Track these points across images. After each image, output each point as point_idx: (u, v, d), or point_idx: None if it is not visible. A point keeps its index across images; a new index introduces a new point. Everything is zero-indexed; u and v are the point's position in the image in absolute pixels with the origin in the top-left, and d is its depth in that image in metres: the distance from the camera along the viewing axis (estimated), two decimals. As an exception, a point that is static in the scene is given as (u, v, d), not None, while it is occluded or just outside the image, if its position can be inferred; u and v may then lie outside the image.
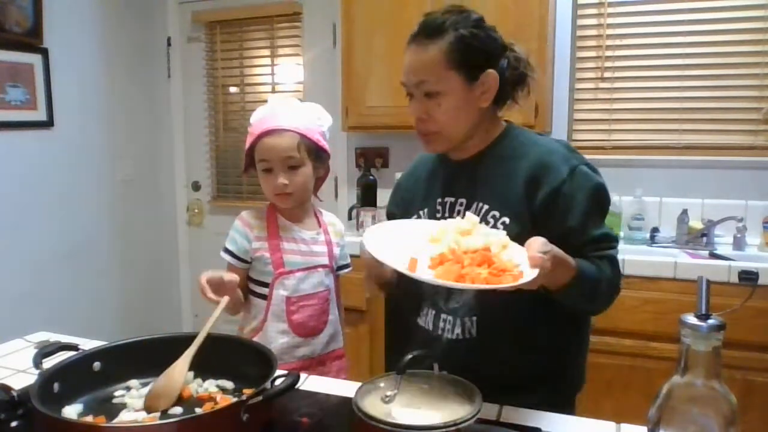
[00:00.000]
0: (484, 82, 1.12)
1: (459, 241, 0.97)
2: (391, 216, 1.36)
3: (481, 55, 1.12)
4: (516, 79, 1.17)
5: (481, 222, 1.11)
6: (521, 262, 0.93)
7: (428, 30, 1.11)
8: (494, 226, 1.11)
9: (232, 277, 1.28)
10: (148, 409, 1.00)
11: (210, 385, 1.11)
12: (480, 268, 0.90)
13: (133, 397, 1.06)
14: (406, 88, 1.16)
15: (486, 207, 1.14)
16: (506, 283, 0.87)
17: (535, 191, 1.10)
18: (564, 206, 1.09)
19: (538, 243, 0.92)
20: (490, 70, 1.12)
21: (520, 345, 1.15)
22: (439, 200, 1.21)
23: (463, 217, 1.05)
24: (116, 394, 1.08)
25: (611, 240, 1.13)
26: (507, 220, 1.11)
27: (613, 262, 1.12)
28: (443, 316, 1.18)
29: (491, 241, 0.97)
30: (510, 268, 0.91)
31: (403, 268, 0.92)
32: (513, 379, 1.14)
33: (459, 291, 1.15)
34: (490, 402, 1.07)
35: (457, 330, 1.15)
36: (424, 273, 0.92)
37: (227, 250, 1.43)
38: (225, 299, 1.21)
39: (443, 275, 0.89)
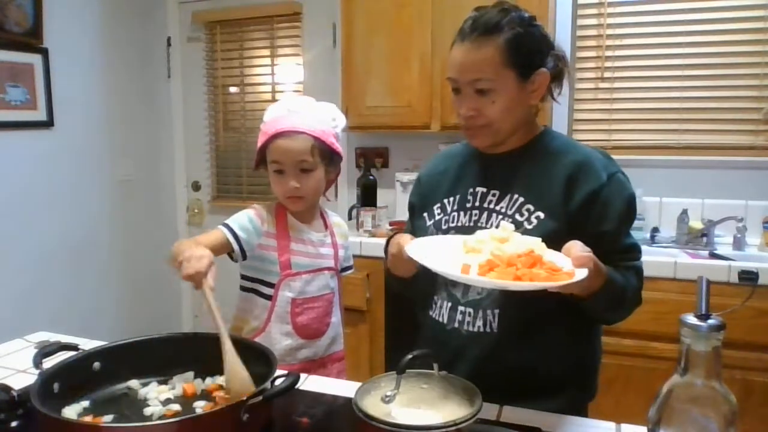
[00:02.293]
0: (536, 80, 1.13)
1: (500, 248, 0.96)
2: (411, 207, 1.37)
3: (535, 54, 1.13)
4: (555, 75, 1.18)
5: (514, 214, 1.13)
6: (563, 264, 0.93)
7: (484, 27, 1.09)
8: (528, 220, 1.11)
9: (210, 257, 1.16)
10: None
11: (211, 382, 1.11)
12: (535, 268, 0.90)
13: (151, 394, 1.06)
14: (455, 83, 1.14)
15: (521, 199, 1.14)
16: (563, 281, 0.87)
17: (573, 190, 1.11)
18: (601, 210, 1.11)
19: (578, 245, 0.94)
20: (543, 69, 1.14)
21: (539, 345, 1.14)
22: (471, 190, 1.21)
23: (494, 210, 1.08)
24: (119, 390, 1.08)
25: (638, 251, 1.15)
26: (541, 214, 1.11)
27: (639, 273, 1.13)
28: (461, 308, 1.16)
29: (532, 245, 0.97)
30: (559, 267, 0.92)
31: (456, 274, 0.91)
32: (532, 382, 1.14)
33: None
34: (505, 403, 1.08)
35: (479, 323, 1.14)
36: (477, 278, 0.91)
37: (234, 234, 1.36)
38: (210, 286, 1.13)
39: (500, 278, 0.88)
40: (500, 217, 1.15)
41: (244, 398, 0.88)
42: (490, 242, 0.99)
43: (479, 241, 1.00)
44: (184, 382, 1.10)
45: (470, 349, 1.14)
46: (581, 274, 0.89)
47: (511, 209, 1.14)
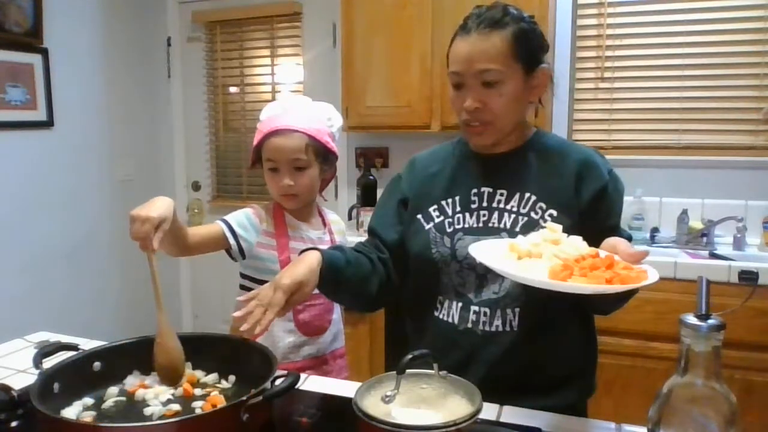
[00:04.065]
0: (538, 76, 1.15)
1: (564, 251, 0.94)
2: (404, 198, 1.29)
3: (538, 49, 1.15)
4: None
5: (529, 212, 1.13)
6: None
7: (490, 20, 1.11)
8: (542, 218, 1.12)
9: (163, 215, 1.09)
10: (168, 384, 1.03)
11: (211, 379, 1.11)
12: (617, 268, 0.88)
13: (151, 394, 1.06)
14: (459, 77, 1.14)
15: (534, 198, 1.14)
16: (646, 280, 0.85)
17: (582, 187, 1.13)
18: (607, 205, 1.14)
19: (623, 242, 0.95)
20: (544, 66, 1.15)
21: (554, 342, 1.15)
22: (474, 191, 1.20)
23: (506, 205, 1.09)
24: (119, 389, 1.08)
25: (631, 242, 1.15)
26: (554, 212, 1.12)
27: None
28: (474, 308, 1.15)
29: (580, 245, 0.95)
30: (631, 266, 0.90)
31: (545, 281, 0.87)
32: (541, 379, 1.14)
33: (498, 281, 1.13)
34: (514, 401, 1.08)
35: (497, 322, 1.13)
36: (579, 285, 0.87)
37: (232, 231, 1.35)
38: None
39: (595, 282, 0.85)
40: (513, 215, 1.15)
41: (244, 398, 0.88)
42: (546, 245, 0.97)
43: (535, 244, 0.97)
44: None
45: (487, 349, 1.14)
46: (653, 271, 0.89)
47: (524, 207, 1.14)
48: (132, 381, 1.09)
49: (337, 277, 1.13)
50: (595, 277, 0.86)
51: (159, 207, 1.09)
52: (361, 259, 1.21)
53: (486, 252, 1.00)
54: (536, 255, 0.95)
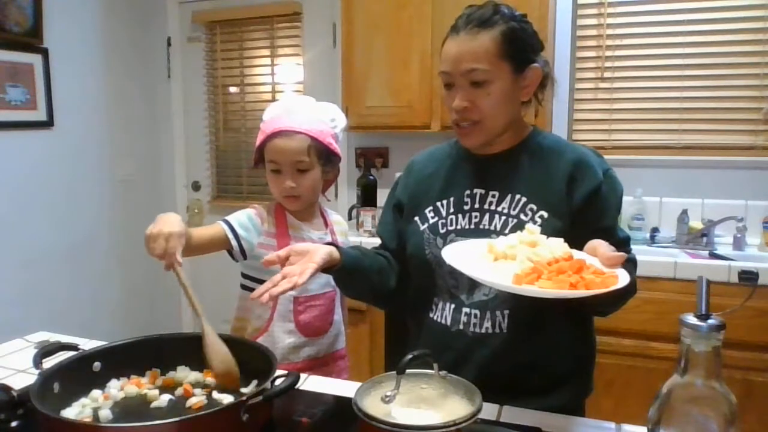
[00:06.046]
0: (528, 76, 1.14)
1: (537, 254, 0.93)
2: (398, 203, 1.31)
3: (528, 48, 1.14)
4: (542, 79, 1.18)
5: (518, 214, 1.13)
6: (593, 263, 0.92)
7: (479, 20, 1.11)
8: (532, 220, 1.12)
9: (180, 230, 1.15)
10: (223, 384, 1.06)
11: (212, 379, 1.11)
12: (586, 273, 0.88)
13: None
14: (449, 77, 1.15)
15: (524, 200, 1.14)
16: (614, 285, 0.85)
17: (575, 189, 1.12)
18: (601, 206, 1.12)
19: (604, 244, 0.94)
20: (535, 65, 1.14)
21: (546, 343, 1.14)
22: (468, 192, 1.20)
23: (497, 208, 1.08)
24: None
25: (630, 243, 1.16)
26: (545, 214, 1.11)
27: (636, 265, 1.14)
28: (466, 309, 1.15)
29: (560, 248, 0.95)
30: (603, 270, 0.90)
31: (509, 285, 0.88)
32: (535, 380, 1.14)
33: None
34: (508, 401, 1.08)
35: (486, 324, 1.13)
36: (538, 289, 0.86)
37: (233, 232, 1.37)
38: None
39: (559, 287, 0.85)
40: (503, 218, 1.14)
41: (244, 398, 0.88)
42: (521, 247, 0.96)
43: (510, 246, 0.97)
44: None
45: (477, 351, 1.14)
46: (624, 275, 0.88)
47: (514, 209, 1.14)
48: (115, 384, 1.09)
49: (356, 264, 1.15)
50: (560, 281, 0.86)
51: (174, 223, 1.13)
52: (377, 256, 1.25)
53: (462, 253, 1.00)
54: (511, 257, 0.95)
